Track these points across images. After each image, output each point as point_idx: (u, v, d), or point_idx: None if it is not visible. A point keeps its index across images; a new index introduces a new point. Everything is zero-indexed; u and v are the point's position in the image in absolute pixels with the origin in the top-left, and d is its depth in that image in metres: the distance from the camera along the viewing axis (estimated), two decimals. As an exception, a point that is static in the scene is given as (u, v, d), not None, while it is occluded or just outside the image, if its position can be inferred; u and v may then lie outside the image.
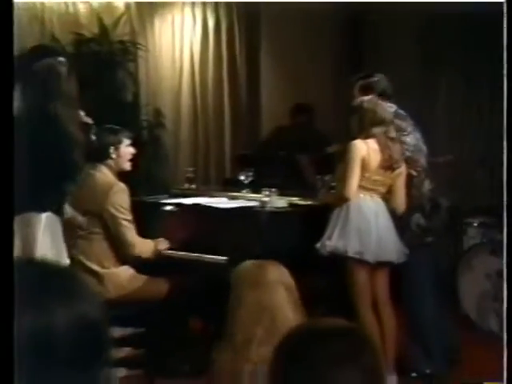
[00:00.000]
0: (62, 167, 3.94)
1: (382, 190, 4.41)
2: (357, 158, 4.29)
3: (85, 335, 1.12)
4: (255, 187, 5.13)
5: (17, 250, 3.86)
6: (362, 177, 4.32)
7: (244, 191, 5.21)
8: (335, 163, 4.84)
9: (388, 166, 4.37)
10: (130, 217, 4.57)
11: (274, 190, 4.83)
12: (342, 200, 4.32)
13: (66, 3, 6.32)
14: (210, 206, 4.92)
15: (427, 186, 4.69)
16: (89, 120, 4.36)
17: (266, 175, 5.42)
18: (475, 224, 5.85)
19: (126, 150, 4.65)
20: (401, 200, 4.46)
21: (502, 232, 5.69)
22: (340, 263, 4.33)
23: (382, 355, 4.10)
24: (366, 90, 4.60)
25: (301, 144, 6.15)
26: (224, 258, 4.48)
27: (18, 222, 3.88)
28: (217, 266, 4.44)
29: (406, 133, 4.63)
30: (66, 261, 3.98)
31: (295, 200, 4.89)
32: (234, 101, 7.04)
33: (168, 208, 5.05)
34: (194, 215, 4.93)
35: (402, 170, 4.45)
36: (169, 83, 6.99)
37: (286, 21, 6.85)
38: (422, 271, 4.62)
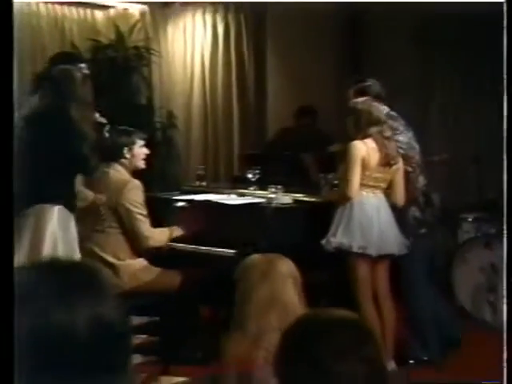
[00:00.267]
0: (74, 162, 3.97)
1: (383, 185, 4.42)
2: (357, 158, 4.30)
3: (104, 335, 1.05)
4: (262, 185, 5.13)
5: (27, 240, 3.87)
6: (363, 175, 4.33)
7: (251, 188, 5.21)
8: (337, 162, 4.84)
9: (386, 162, 4.39)
10: (144, 211, 4.58)
11: (279, 187, 4.83)
12: (345, 199, 4.32)
13: (84, 12, 6.33)
14: (219, 202, 4.92)
15: (421, 181, 4.70)
16: (103, 120, 4.39)
17: (272, 173, 5.42)
18: (470, 219, 5.84)
19: (140, 150, 4.66)
20: (400, 193, 4.48)
21: (495, 226, 5.70)
22: (343, 258, 4.34)
23: (383, 345, 4.11)
24: (361, 94, 4.61)
25: (305, 144, 6.15)
26: (233, 251, 4.49)
27: (30, 213, 3.89)
28: (226, 259, 4.45)
29: (398, 132, 4.64)
30: (78, 254, 4.00)
31: (299, 197, 4.89)
32: (242, 103, 7.04)
33: (180, 204, 5.06)
34: (204, 211, 4.93)
35: (400, 165, 4.47)
36: (181, 87, 7.00)
37: (290, 28, 6.85)
38: (418, 262, 4.62)
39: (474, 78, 6.74)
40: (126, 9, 6.60)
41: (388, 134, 4.43)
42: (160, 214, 4.85)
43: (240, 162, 6.78)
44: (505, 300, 2.31)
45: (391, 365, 4.32)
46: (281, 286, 2.65)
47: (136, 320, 4.08)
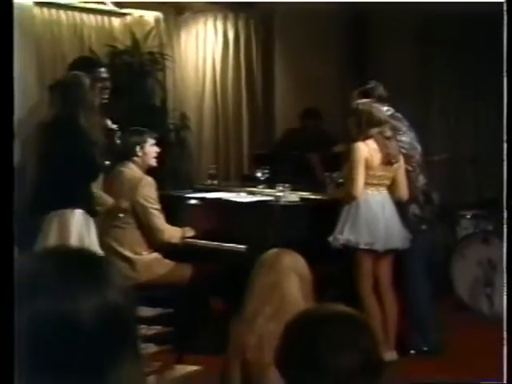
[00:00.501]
0: (87, 169, 3.96)
1: (387, 182, 4.43)
2: (360, 159, 4.30)
3: (110, 322, 0.99)
4: (270, 183, 5.14)
5: (53, 243, 3.89)
6: (367, 175, 4.33)
7: (260, 187, 5.22)
8: (341, 161, 4.85)
9: (388, 161, 4.39)
10: (158, 206, 4.60)
11: (287, 185, 4.84)
12: (351, 198, 4.33)
13: (102, 19, 6.35)
14: (230, 200, 4.93)
15: (422, 180, 4.70)
16: (113, 126, 4.39)
17: (280, 172, 5.43)
18: (468, 216, 5.84)
19: (151, 148, 4.69)
20: (403, 189, 4.49)
21: (492, 223, 5.70)
22: (347, 253, 4.34)
23: (381, 337, 4.11)
24: (365, 96, 4.61)
25: (310, 144, 6.15)
26: (243, 246, 4.50)
27: (54, 218, 3.90)
28: (236, 254, 4.46)
29: (401, 132, 4.63)
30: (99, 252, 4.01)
31: (306, 195, 4.89)
32: (251, 105, 7.05)
33: (192, 201, 5.08)
34: (215, 208, 4.94)
35: (401, 163, 4.47)
36: (193, 90, 7.01)
37: (297, 34, 6.85)
38: (418, 257, 4.63)
39: (473, 78, 6.66)
40: (141, 16, 6.61)
41: (388, 134, 4.43)
42: (173, 210, 4.87)
43: (249, 161, 6.79)
44: (505, 300, 2.30)
45: (393, 355, 4.32)
46: (282, 278, 2.65)
47: (151, 311, 4.09)
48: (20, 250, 4.20)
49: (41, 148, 3.91)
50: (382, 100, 4.63)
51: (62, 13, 6.02)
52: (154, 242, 4.61)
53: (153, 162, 4.70)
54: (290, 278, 2.65)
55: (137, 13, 6.59)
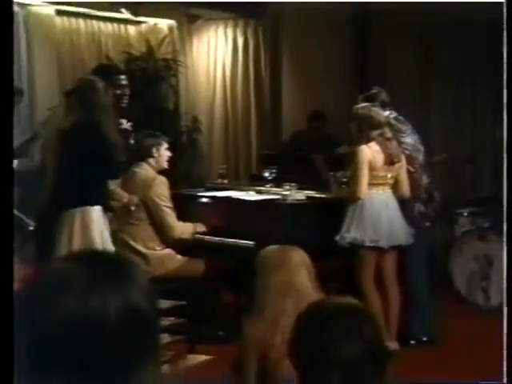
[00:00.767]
0: (106, 168, 3.98)
1: (390, 181, 4.42)
2: (364, 161, 4.30)
3: (134, 321, 0.97)
4: (277, 182, 5.14)
5: (78, 238, 3.91)
6: (371, 176, 4.33)
7: (268, 186, 5.21)
8: (345, 162, 4.85)
9: (390, 161, 4.38)
10: (170, 204, 4.61)
11: (293, 184, 4.84)
12: (355, 198, 4.33)
13: (119, 27, 6.36)
14: (239, 198, 4.94)
15: (425, 180, 4.69)
16: (128, 127, 4.40)
17: (287, 172, 5.43)
18: (465, 214, 5.82)
19: (165, 152, 4.70)
20: (405, 187, 4.48)
21: (488, 221, 5.67)
22: (353, 250, 4.33)
23: (385, 328, 4.11)
24: (368, 101, 4.60)
25: (316, 145, 6.15)
26: (252, 242, 4.50)
27: (77, 214, 3.92)
28: (245, 250, 4.46)
29: (404, 134, 4.62)
30: (111, 246, 4.03)
31: (311, 193, 4.89)
32: (260, 109, 7.04)
33: (204, 200, 5.08)
34: (225, 206, 4.95)
35: (403, 162, 4.46)
36: (204, 94, 7.02)
37: (303, 40, 6.84)
38: (420, 252, 4.62)
39: (472, 78, 6.58)
40: (155, 24, 6.62)
41: (389, 135, 4.42)
42: (186, 208, 4.88)
43: (258, 161, 6.79)
44: (505, 300, 2.28)
45: (394, 345, 4.31)
46: (295, 274, 2.66)
47: (164, 304, 4.10)
48: (41, 243, 4.19)
49: (64, 150, 3.92)
50: (384, 105, 4.62)
51: (81, 22, 6.03)
52: (166, 238, 4.62)
53: (165, 165, 4.71)
54: (300, 274, 2.66)
55: (151, 21, 6.60)
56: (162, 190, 4.59)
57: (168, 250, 4.64)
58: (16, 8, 5.50)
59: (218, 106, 7.02)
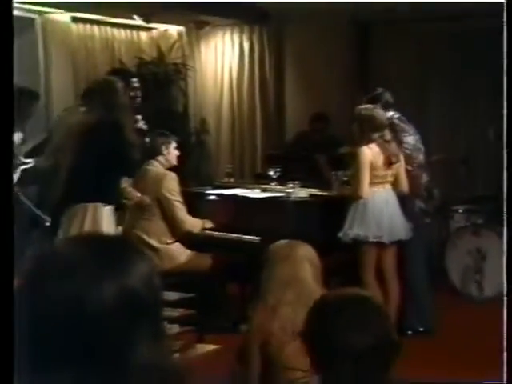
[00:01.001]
0: (124, 166, 3.95)
1: (390, 179, 4.42)
2: (366, 162, 4.29)
3: (134, 305, 0.93)
4: (282, 181, 5.14)
5: (86, 229, 3.89)
6: (372, 175, 4.32)
7: (273, 184, 5.21)
8: (346, 162, 4.84)
9: (389, 161, 4.38)
10: (180, 199, 4.61)
11: (297, 183, 4.85)
12: (358, 198, 4.32)
13: (131, 33, 6.37)
14: (245, 196, 4.94)
15: (425, 178, 4.69)
16: (144, 126, 4.39)
17: (291, 171, 5.43)
18: (460, 211, 5.81)
19: (174, 150, 4.71)
20: (405, 184, 4.47)
21: (482, 217, 5.66)
22: (355, 246, 4.33)
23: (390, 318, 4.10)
24: (372, 103, 4.57)
25: (318, 146, 6.13)
26: (257, 238, 4.51)
27: (89, 208, 3.89)
28: (251, 245, 4.47)
29: (407, 134, 4.60)
30: None
31: (314, 191, 4.89)
32: (264, 111, 7.05)
33: (211, 197, 5.09)
34: (232, 203, 4.95)
35: (402, 161, 4.46)
36: (212, 97, 7.03)
37: (307, 45, 6.84)
38: (419, 247, 4.62)
39: (472, 78, 6.54)
40: (166, 30, 6.63)
41: (388, 137, 4.40)
42: (195, 205, 4.88)
43: (263, 161, 6.79)
44: (505, 306, 2.26)
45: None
46: (299, 268, 2.67)
47: (174, 296, 4.11)
48: (51, 235, 4.11)
49: (83, 148, 3.85)
50: (388, 106, 4.59)
51: (95, 28, 6.05)
52: (177, 231, 4.62)
53: (174, 161, 4.73)
54: (304, 267, 2.67)
55: (162, 27, 6.61)
56: (172, 185, 4.60)
57: (177, 245, 4.64)
58: (34, 15, 5.52)
59: (225, 108, 7.03)
